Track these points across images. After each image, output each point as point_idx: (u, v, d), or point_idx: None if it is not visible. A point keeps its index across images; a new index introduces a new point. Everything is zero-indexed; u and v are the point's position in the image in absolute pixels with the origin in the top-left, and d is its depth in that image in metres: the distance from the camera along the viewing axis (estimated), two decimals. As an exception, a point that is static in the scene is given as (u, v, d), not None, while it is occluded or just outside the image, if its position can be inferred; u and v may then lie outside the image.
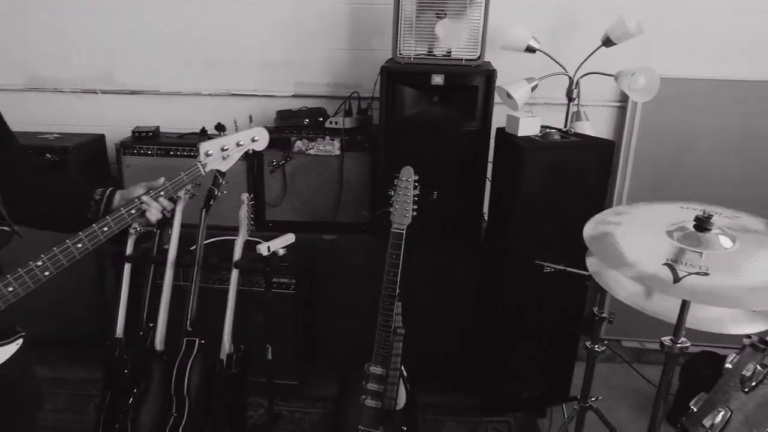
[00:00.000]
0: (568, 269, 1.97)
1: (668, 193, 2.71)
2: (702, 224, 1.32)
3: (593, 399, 2.08)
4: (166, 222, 2.12)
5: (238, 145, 1.57)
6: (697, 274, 1.20)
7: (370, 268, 2.09)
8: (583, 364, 2.16)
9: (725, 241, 1.34)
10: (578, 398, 2.09)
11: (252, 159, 2.46)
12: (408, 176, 1.89)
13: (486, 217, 2.54)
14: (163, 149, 2.50)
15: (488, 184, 2.43)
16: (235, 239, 2.12)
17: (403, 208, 1.90)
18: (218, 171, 1.63)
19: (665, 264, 1.23)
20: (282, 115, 2.55)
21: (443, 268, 2.38)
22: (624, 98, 2.66)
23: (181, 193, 2.10)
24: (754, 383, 1.21)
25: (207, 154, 1.48)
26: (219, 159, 1.52)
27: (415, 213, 1.90)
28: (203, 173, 1.48)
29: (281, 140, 2.44)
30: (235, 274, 2.10)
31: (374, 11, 2.59)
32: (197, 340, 2.02)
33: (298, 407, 2.47)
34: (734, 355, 1.37)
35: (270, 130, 2.49)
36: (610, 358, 2.88)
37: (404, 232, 1.90)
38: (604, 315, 1.93)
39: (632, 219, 1.53)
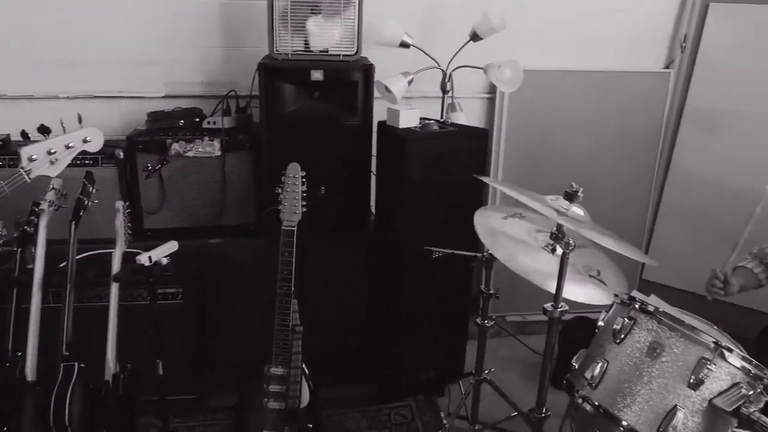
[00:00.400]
0: (456, 252, 2.07)
1: (537, 174, 2.94)
2: (571, 197, 1.46)
3: (486, 372, 2.21)
4: (28, 238, 1.93)
5: (67, 147, 1.46)
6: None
7: (262, 269, 2.06)
8: (473, 342, 2.28)
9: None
10: (473, 373, 2.21)
11: (123, 164, 2.30)
12: (295, 173, 1.88)
13: (374, 209, 2.59)
14: (15, 160, 2.25)
15: (375, 178, 2.48)
16: (112, 251, 1.97)
17: (293, 205, 1.88)
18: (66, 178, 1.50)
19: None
20: (154, 116, 2.41)
21: (335, 262, 2.39)
22: (493, 89, 2.85)
23: (45, 206, 1.92)
24: (623, 335, 1.36)
25: (31, 159, 1.37)
26: (46, 164, 1.41)
27: (304, 209, 1.89)
28: (28, 180, 1.37)
29: (155, 143, 2.30)
30: (114, 288, 1.96)
31: (246, 6, 2.53)
32: (76, 364, 1.86)
33: (197, 422, 2.35)
34: (605, 313, 1.53)
35: (141, 133, 2.39)
36: (496, 333, 3.08)
37: (295, 229, 1.89)
38: (491, 292, 2.06)
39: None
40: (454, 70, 2.48)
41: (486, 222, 1.91)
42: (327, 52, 2.25)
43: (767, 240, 1.98)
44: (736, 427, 1.26)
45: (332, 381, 2.43)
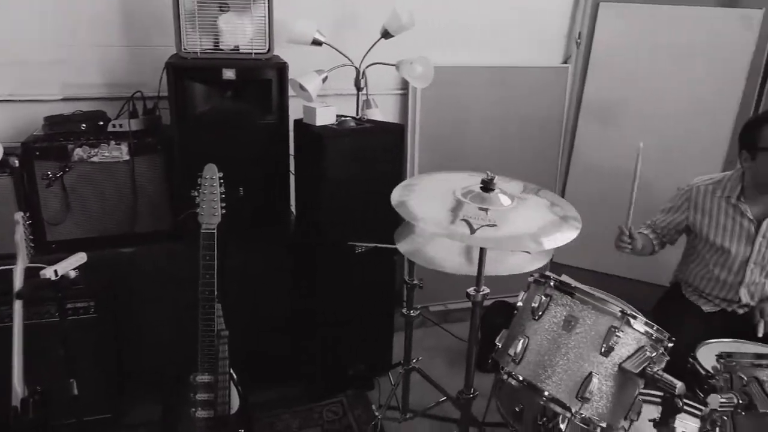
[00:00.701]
0: (379, 245, 2.10)
1: (452, 165, 3.04)
2: (487, 186, 1.53)
3: (414, 361, 2.26)
4: None
5: None
6: (488, 226, 1.39)
7: (181, 275, 1.99)
8: (400, 333, 2.33)
9: (505, 200, 1.57)
10: (401, 363, 2.25)
11: (19, 172, 2.13)
12: (212, 174, 1.83)
13: (294, 209, 2.57)
14: None
15: (294, 177, 2.46)
16: (12, 267, 1.83)
17: (211, 207, 1.84)
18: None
19: (463, 219, 1.40)
20: (52, 121, 2.26)
21: (257, 262, 2.35)
22: (406, 86, 2.91)
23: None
24: (541, 312, 1.45)
25: None
26: None
27: (224, 211, 1.85)
28: None
29: (55, 149, 2.16)
30: (18, 306, 1.81)
31: (150, 3, 2.42)
32: (-24, 391, 1.71)
33: (118, 441, 2.24)
34: (523, 293, 1.62)
35: (39, 139, 2.23)
36: (421, 323, 3.15)
37: (215, 231, 1.84)
38: (415, 282, 2.11)
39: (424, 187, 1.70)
40: (367, 67, 2.51)
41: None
42: (238, 50, 2.20)
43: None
44: (644, 386, 1.38)
45: (263, 383, 2.40)
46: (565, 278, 2.16)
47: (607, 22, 3.07)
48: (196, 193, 1.83)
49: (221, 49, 2.19)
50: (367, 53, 2.47)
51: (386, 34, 2.45)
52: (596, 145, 3.24)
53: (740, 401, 1.26)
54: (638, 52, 3.04)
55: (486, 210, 1.50)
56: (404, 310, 2.16)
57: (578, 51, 3.16)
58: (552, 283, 1.46)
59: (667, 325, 2.15)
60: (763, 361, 1.29)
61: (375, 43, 2.46)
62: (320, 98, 2.42)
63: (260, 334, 2.38)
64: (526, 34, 3.10)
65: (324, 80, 2.36)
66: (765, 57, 2.88)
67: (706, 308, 2.25)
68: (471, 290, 1.63)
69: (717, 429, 1.28)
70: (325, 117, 2.27)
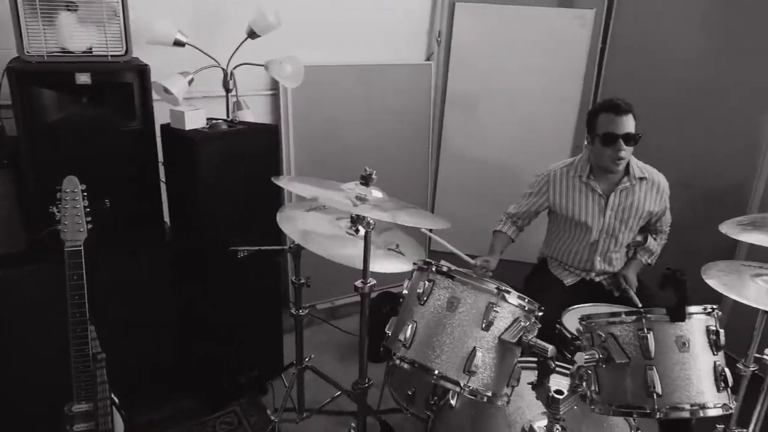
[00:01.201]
0: (263, 248, 2.08)
1: (327, 165, 3.07)
2: (366, 179, 1.58)
3: (307, 360, 2.27)
4: None
5: None
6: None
7: (43, 299, 1.82)
8: (290, 335, 2.32)
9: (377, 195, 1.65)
10: (294, 364, 2.25)
11: None
12: (73, 187, 1.69)
13: (168, 217, 2.45)
14: None
15: (166, 184, 2.34)
16: None
17: (75, 223, 1.70)
18: None
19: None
20: None
21: (132, 277, 2.21)
22: (277, 86, 2.88)
23: None
24: (426, 297, 1.53)
25: None
26: None
27: (90, 225, 1.72)
28: None
29: None
30: None
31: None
32: None
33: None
34: (407, 281, 1.69)
35: None
36: (309, 322, 3.16)
37: (81, 248, 1.71)
38: (302, 281, 2.11)
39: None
40: (235, 68, 2.45)
41: (291, 221, 1.97)
42: (91, 52, 2.05)
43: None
44: (521, 354, 1.52)
45: (153, 402, 2.28)
46: (443, 264, 2.30)
47: (463, 21, 3.28)
48: (55, 209, 1.68)
49: (72, 52, 2.02)
50: (234, 54, 2.41)
51: (252, 34, 2.41)
52: (462, 134, 3.45)
53: (600, 356, 1.43)
54: (493, 48, 3.28)
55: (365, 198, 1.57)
56: (293, 310, 2.16)
57: (439, 49, 3.34)
58: (434, 269, 1.55)
59: (536, 297, 2.39)
60: (616, 319, 1.47)
61: (241, 43, 2.41)
62: (188, 101, 2.33)
63: (146, 351, 2.25)
64: (391, 34, 3.21)
65: (190, 82, 2.27)
66: (599, 51, 3.24)
67: (568, 281, 2.50)
68: (359, 283, 1.67)
69: (584, 383, 1.44)
70: (194, 120, 2.19)
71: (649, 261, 2.50)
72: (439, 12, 3.29)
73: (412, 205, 1.78)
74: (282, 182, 1.62)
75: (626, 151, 2.24)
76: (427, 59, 3.38)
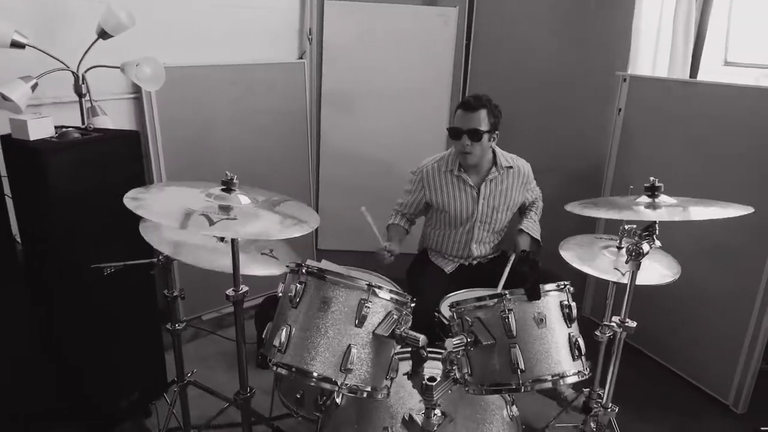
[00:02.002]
0: (129, 263, 1.95)
1: (202, 169, 2.96)
2: (228, 186, 1.53)
3: (189, 375, 2.16)
4: None
5: None
6: (229, 219, 1.41)
7: None
8: (171, 351, 2.21)
9: (244, 199, 1.60)
10: (175, 380, 2.14)
11: None
12: None
13: (19, 239, 2.23)
14: None
15: (13, 202, 2.13)
16: None
17: None
18: None
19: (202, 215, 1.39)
20: None
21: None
22: (139, 89, 2.72)
23: None
24: (298, 299, 1.51)
25: None
26: None
27: None
28: None
29: None
30: None
31: None
32: None
33: None
34: (281, 284, 1.66)
35: None
36: (195, 335, 3.03)
37: None
38: (175, 294, 2.01)
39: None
40: (87, 71, 2.28)
41: (158, 231, 1.87)
42: None
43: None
44: (399, 347, 1.55)
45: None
46: (324, 263, 2.29)
47: (333, 19, 3.28)
48: None
49: None
50: (84, 55, 2.24)
51: (104, 34, 2.25)
52: (340, 132, 3.46)
53: (468, 339, 1.49)
54: (364, 46, 3.32)
55: (228, 208, 1.51)
56: (168, 326, 2.05)
57: (312, 47, 3.32)
58: (305, 270, 1.53)
59: (419, 287, 2.46)
60: (481, 303, 1.54)
61: (92, 44, 2.25)
62: (34, 108, 2.13)
63: (14, 388, 2.03)
64: (262, 32, 3.15)
65: (33, 87, 2.08)
66: (464, 47, 3.38)
67: (448, 268, 2.60)
68: (230, 291, 1.62)
69: (455, 367, 1.50)
70: (40, 130, 1.99)
71: (535, 234, 2.57)
72: (309, 10, 3.27)
73: (286, 198, 1.75)
74: (130, 203, 1.52)
75: (472, 146, 2.36)
76: (300, 57, 3.35)
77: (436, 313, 2.10)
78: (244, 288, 1.63)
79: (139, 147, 2.24)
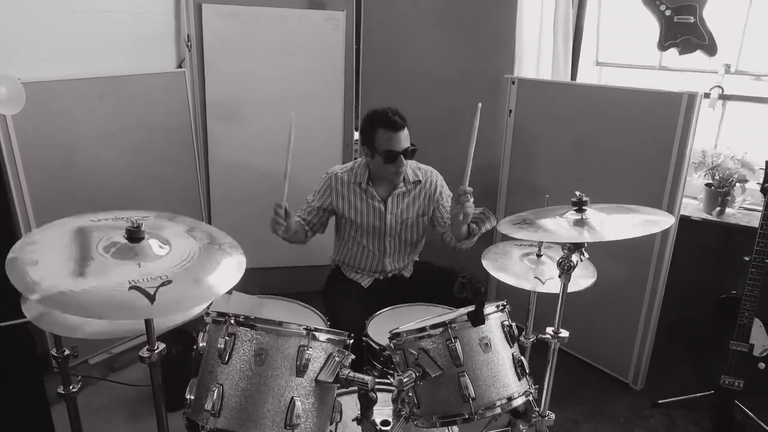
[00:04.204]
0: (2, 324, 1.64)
1: (77, 196, 2.61)
2: (133, 234, 1.30)
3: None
4: None
5: None
6: (163, 285, 1.19)
7: None
8: (60, 406, 1.91)
9: (158, 248, 1.33)
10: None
11: None
12: None
13: None
14: None
15: None
16: None
17: None
18: None
19: (132, 287, 1.17)
20: None
21: None
22: (-13, 111, 2.31)
23: None
24: (228, 353, 1.35)
25: None
26: None
27: None
28: None
29: None
30: None
31: None
32: None
33: None
34: (202, 334, 1.48)
35: None
36: (84, 383, 2.67)
37: None
38: (66, 353, 1.73)
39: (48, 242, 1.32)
40: None
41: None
42: None
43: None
44: (339, 389, 1.45)
45: None
46: (235, 295, 2.11)
47: (212, 23, 3.03)
48: None
49: None
50: None
51: (-59, 51, 1.87)
52: (229, 143, 3.23)
53: (417, 374, 1.43)
54: (248, 51, 3.11)
55: (138, 264, 1.26)
56: (60, 390, 1.76)
57: (191, 53, 3.05)
58: (233, 320, 1.37)
59: (336, 305, 2.36)
60: (424, 333, 1.48)
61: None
62: None
63: None
64: (133, 40, 2.83)
65: None
66: (354, 51, 3.30)
67: (364, 282, 2.52)
68: (144, 352, 1.40)
69: (406, 405, 1.43)
70: None
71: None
72: (185, 14, 2.99)
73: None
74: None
75: (406, 164, 2.31)
76: (179, 66, 3.06)
77: (363, 338, 2.01)
78: (160, 346, 1.41)
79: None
